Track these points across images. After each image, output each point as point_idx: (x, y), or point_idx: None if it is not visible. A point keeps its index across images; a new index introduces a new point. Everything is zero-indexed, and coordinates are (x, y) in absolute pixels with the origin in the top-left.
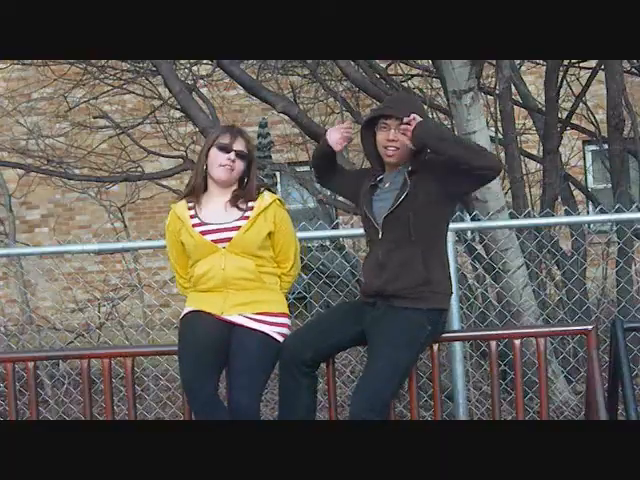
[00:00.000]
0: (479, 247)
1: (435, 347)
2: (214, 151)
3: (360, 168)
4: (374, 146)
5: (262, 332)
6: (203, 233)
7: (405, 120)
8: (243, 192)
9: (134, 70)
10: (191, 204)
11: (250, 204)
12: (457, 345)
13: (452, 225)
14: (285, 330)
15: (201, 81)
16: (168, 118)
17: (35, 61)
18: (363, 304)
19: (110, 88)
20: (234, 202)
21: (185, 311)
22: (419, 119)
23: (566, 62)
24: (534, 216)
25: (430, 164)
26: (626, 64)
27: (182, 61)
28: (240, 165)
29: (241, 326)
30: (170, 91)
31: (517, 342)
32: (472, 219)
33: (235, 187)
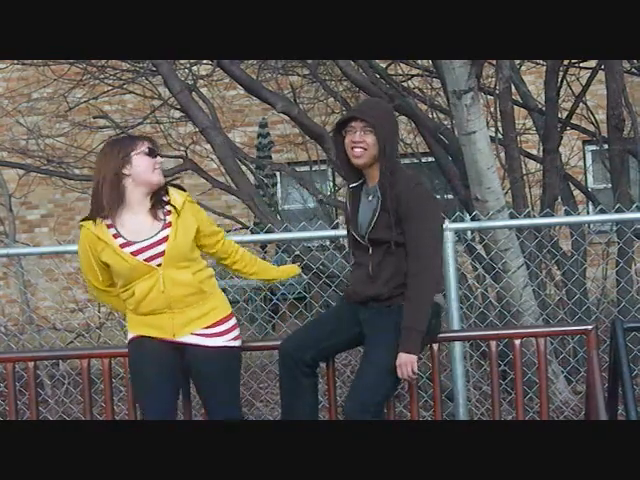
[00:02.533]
0: (479, 247)
1: (435, 347)
2: (142, 159)
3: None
4: (346, 154)
5: (217, 346)
6: (134, 254)
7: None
8: (156, 196)
9: (134, 70)
10: (109, 222)
11: (167, 208)
12: (457, 345)
13: (452, 225)
14: (236, 332)
15: (201, 81)
16: (168, 118)
17: (35, 61)
18: (351, 307)
19: (110, 88)
20: (155, 210)
21: (130, 337)
22: (404, 360)
23: (566, 62)
24: (534, 216)
25: (393, 198)
26: (626, 64)
27: (182, 61)
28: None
29: (194, 346)
30: (170, 91)
31: (517, 342)
32: (472, 219)
33: (151, 193)
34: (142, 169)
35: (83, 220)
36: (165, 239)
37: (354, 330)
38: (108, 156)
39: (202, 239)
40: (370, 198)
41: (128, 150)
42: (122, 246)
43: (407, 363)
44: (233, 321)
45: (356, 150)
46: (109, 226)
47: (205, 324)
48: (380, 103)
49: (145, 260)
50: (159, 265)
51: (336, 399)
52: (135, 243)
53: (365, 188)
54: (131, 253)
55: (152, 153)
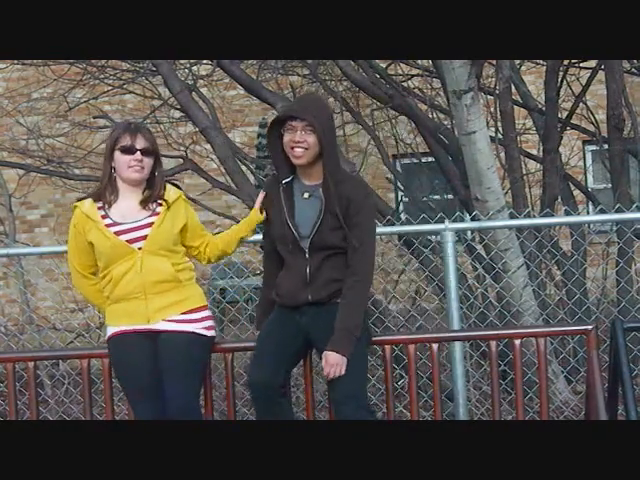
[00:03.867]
0: (479, 247)
1: (435, 347)
2: (118, 154)
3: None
4: (281, 150)
5: (187, 332)
6: (117, 233)
7: (329, 375)
8: (151, 191)
9: (134, 70)
10: (100, 204)
11: (159, 201)
12: (457, 345)
13: (452, 225)
14: (209, 322)
15: (201, 81)
16: (168, 118)
17: (35, 61)
18: (288, 313)
19: (110, 88)
20: (145, 203)
21: (109, 333)
22: (334, 360)
23: (566, 62)
24: (534, 216)
25: (340, 200)
26: (626, 64)
27: (182, 61)
28: (149, 162)
29: (165, 332)
30: (170, 91)
31: (517, 342)
32: (472, 219)
33: (144, 185)
34: (119, 165)
35: (78, 200)
36: (150, 225)
37: (300, 340)
38: (107, 143)
39: (187, 239)
40: (306, 196)
41: (112, 143)
42: (108, 226)
43: (338, 364)
44: (208, 313)
45: (297, 150)
46: (100, 208)
47: (180, 310)
48: (318, 101)
49: (127, 241)
50: (140, 249)
51: (314, 395)
52: (120, 224)
53: (298, 185)
54: (114, 232)
55: (128, 150)
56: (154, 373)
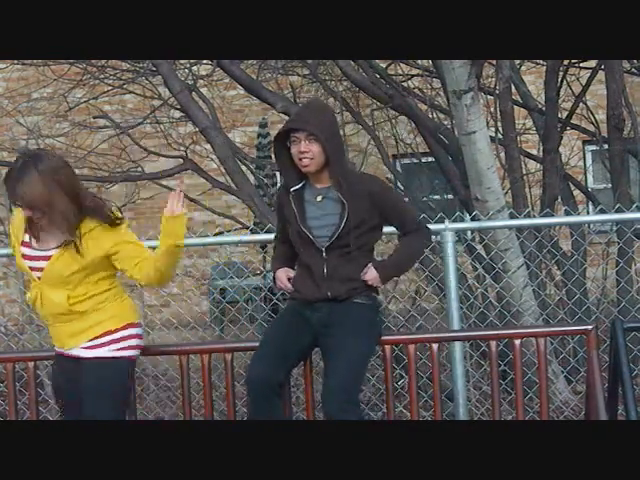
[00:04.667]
0: (479, 247)
1: (435, 347)
2: None
3: (277, 201)
4: (289, 158)
5: (96, 357)
6: (24, 257)
7: (367, 280)
8: (79, 213)
9: (134, 70)
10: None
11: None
12: (457, 345)
13: (452, 225)
14: (127, 342)
15: (201, 81)
16: (168, 118)
17: (35, 61)
18: (302, 309)
19: (110, 88)
20: (60, 235)
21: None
22: (374, 275)
23: (566, 62)
24: (534, 216)
25: (361, 199)
26: (626, 64)
27: (182, 61)
28: (37, 214)
29: (79, 358)
30: (170, 91)
31: (517, 342)
32: (472, 219)
33: None
34: None
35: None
36: (48, 258)
37: (308, 339)
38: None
39: (118, 263)
40: (319, 199)
41: None
42: (22, 244)
43: (371, 279)
44: (126, 332)
45: (304, 160)
46: (28, 220)
47: (86, 338)
48: (319, 108)
49: (30, 268)
50: (39, 278)
51: (314, 395)
52: (31, 248)
53: (310, 190)
54: (22, 255)
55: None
56: (73, 395)
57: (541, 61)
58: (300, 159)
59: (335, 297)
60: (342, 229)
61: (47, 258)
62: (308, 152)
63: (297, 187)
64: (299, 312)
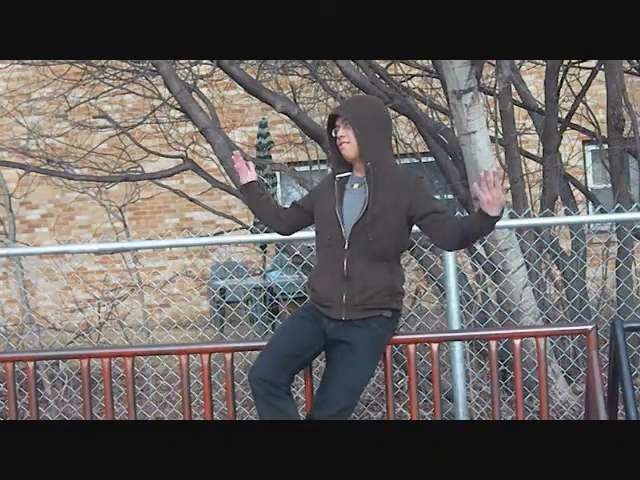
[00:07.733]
0: (479, 247)
1: (435, 347)
2: None
3: (319, 183)
4: (337, 147)
5: None
6: None
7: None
8: None
9: (134, 70)
10: None
11: None
12: (457, 345)
13: None
14: None
15: (201, 81)
16: (168, 118)
17: (35, 61)
18: (319, 315)
19: (110, 88)
20: None
21: None
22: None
23: (566, 62)
24: (534, 216)
25: (390, 191)
26: (626, 64)
27: (182, 61)
28: None
29: None
30: (170, 91)
31: (517, 342)
32: None
33: None
34: None
35: None
36: None
37: (319, 344)
38: None
39: None
40: (356, 186)
41: None
42: None
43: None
44: None
45: (342, 145)
46: None
47: None
48: (364, 99)
49: None
50: None
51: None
52: None
53: (352, 178)
54: None
55: None
56: None
57: (541, 61)
58: (339, 144)
59: (350, 310)
60: (361, 217)
61: None
62: (344, 137)
63: (343, 175)
64: (316, 318)
